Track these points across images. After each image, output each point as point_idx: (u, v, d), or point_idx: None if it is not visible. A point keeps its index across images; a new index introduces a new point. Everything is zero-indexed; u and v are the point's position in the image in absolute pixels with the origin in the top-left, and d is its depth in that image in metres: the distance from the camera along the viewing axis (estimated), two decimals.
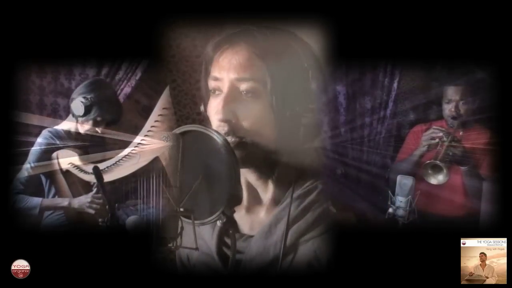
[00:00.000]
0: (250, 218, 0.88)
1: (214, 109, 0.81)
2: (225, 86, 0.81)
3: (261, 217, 0.86)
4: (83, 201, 1.92)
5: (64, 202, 1.95)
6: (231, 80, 0.80)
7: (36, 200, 1.95)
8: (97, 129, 2.03)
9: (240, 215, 0.88)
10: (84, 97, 1.96)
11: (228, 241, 0.85)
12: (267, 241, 0.82)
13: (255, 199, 0.88)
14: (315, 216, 0.82)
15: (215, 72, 0.82)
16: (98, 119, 1.99)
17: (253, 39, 0.81)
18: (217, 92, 0.82)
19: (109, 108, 2.01)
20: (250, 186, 0.87)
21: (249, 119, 0.80)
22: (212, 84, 0.83)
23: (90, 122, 1.99)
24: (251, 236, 0.85)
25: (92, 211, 1.90)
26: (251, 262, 0.83)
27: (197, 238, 0.88)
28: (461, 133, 2.13)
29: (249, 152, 0.80)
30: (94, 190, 1.91)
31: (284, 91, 0.79)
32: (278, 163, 0.84)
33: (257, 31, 0.83)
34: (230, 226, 0.83)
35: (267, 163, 0.84)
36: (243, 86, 0.79)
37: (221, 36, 0.84)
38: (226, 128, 0.80)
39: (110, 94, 2.09)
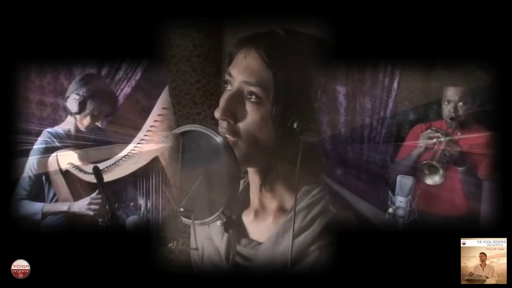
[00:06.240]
0: (259, 224, 0.87)
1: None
2: (234, 85, 0.81)
3: (268, 224, 0.86)
4: (81, 204, 1.92)
5: (64, 206, 1.95)
6: (240, 81, 0.80)
7: (38, 206, 1.95)
8: (97, 123, 2.02)
9: (248, 220, 0.88)
10: (76, 94, 1.96)
11: (237, 249, 0.84)
12: (274, 251, 0.81)
13: (264, 205, 0.87)
14: (321, 226, 0.81)
15: (231, 68, 0.82)
16: (95, 112, 1.99)
17: (268, 44, 0.80)
18: (228, 87, 0.82)
19: (103, 100, 2.01)
20: (258, 191, 0.87)
21: (247, 123, 0.79)
22: (226, 77, 0.83)
23: (88, 117, 1.99)
24: (260, 244, 0.84)
25: (91, 213, 1.90)
26: (258, 270, 0.83)
27: (204, 239, 0.89)
28: (459, 133, 2.12)
29: (245, 154, 0.80)
30: (96, 191, 1.91)
31: (286, 104, 0.78)
32: (280, 169, 0.83)
33: (276, 36, 0.81)
34: (230, 226, 0.83)
35: (268, 168, 0.83)
36: (248, 89, 0.79)
37: (245, 34, 0.83)
38: (223, 126, 0.80)
39: (102, 86, 2.10)
